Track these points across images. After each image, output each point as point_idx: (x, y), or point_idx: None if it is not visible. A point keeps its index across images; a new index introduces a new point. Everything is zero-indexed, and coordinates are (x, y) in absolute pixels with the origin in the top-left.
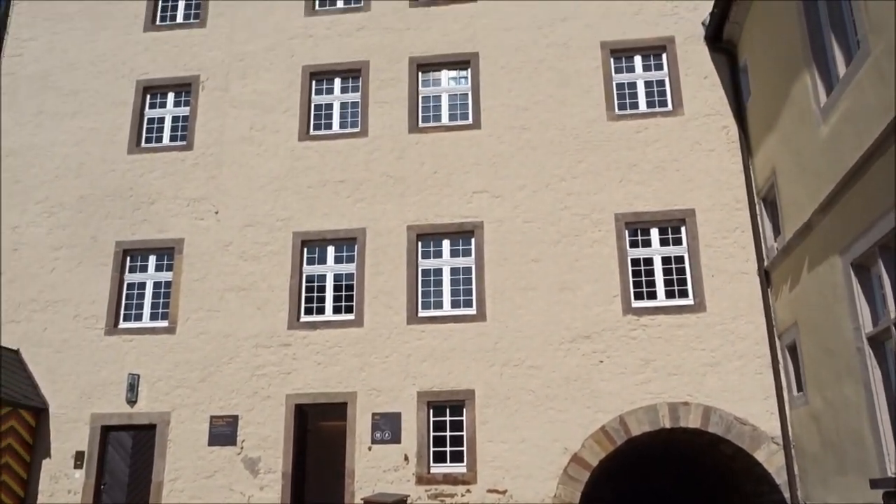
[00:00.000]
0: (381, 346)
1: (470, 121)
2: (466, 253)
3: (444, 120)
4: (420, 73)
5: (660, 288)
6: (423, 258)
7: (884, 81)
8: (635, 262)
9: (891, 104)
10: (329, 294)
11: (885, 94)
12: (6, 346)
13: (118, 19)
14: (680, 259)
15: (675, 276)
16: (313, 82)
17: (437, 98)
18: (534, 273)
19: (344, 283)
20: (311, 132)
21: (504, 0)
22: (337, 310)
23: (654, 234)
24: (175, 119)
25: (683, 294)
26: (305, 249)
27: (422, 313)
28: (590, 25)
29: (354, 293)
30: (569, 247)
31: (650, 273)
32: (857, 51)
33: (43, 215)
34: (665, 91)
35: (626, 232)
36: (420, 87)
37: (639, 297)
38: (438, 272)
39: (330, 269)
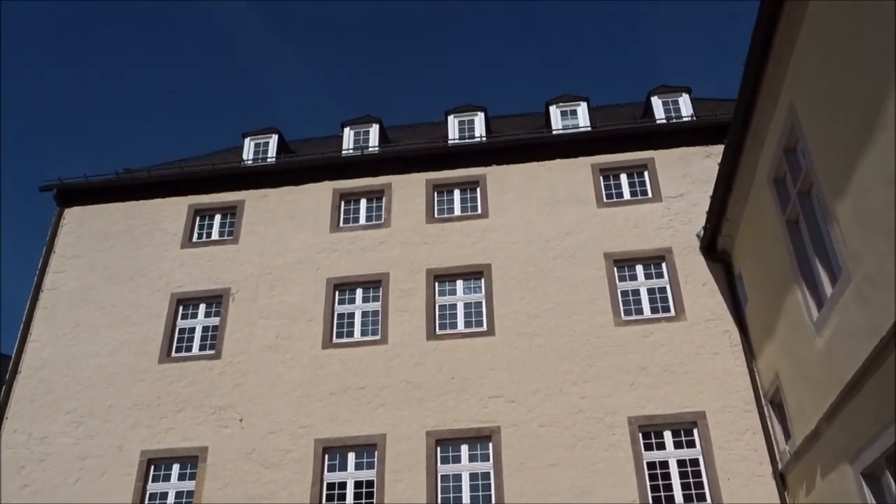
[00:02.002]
0: None
1: (484, 327)
2: (485, 458)
3: (460, 327)
4: (437, 284)
5: (677, 491)
6: (442, 463)
7: (868, 305)
8: (651, 465)
9: (877, 327)
10: (349, 502)
11: (871, 316)
12: None
13: (157, 238)
14: (695, 462)
15: (691, 480)
16: (336, 293)
17: (454, 306)
18: (552, 478)
19: (364, 490)
20: (334, 340)
21: (512, 217)
22: None
23: (668, 436)
24: (205, 329)
25: (701, 498)
26: (327, 456)
27: None
28: (593, 238)
29: (375, 500)
30: (585, 450)
31: (667, 476)
32: (840, 273)
33: (72, 425)
34: (667, 297)
35: (640, 435)
36: (437, 297)
37: (657, 501)
38: (458, 478)
39: (351, 475)
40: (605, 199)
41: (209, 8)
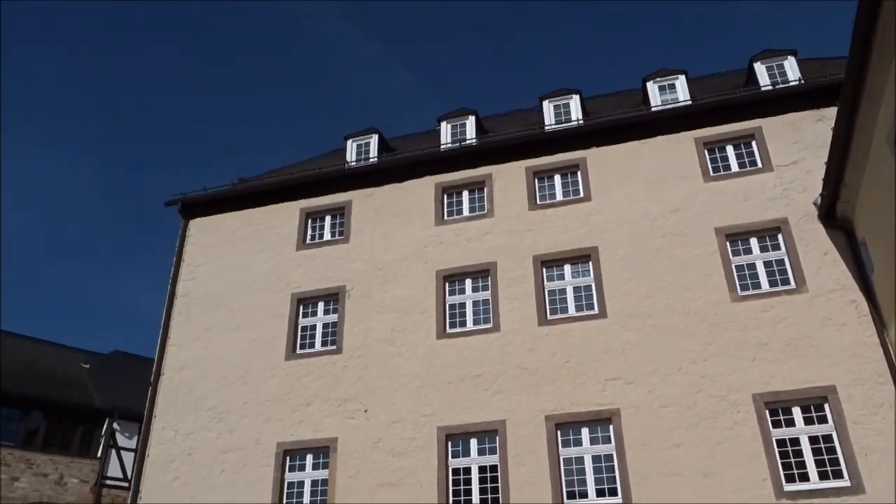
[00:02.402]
0: None
1: (596, 310)
2: (606, 440)
3: (571, 311)
4: (544, 269)
5: (811, 469)
6: (563, 447)
7: None
8: (781, 442)
9: None
10: (475, 486)
11: None
12: None
13: (273, 242)
14: (828, 438)
15: (826, 457)
16: (446, 284)
17: (563, 291)
18: (676, 458)
19: (489, 474)
20: (448, 330)
21: (616, 198)
22: (483, 502)
23: (797, 412)
24: (325, 326)
25: (838, 475)
26: (449, 443)
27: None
28: (701, 214)
29: (500, 485)
30: (709, 430)
31: (798, 454)
32: None
33: (213, 421)
34: (786, 270)
35: (767, 412)
36: (545, 282)
37: (790, 479)
38: (580, 460)
39: (474, 461)
40: (711, 173)
41: (313, 25)
